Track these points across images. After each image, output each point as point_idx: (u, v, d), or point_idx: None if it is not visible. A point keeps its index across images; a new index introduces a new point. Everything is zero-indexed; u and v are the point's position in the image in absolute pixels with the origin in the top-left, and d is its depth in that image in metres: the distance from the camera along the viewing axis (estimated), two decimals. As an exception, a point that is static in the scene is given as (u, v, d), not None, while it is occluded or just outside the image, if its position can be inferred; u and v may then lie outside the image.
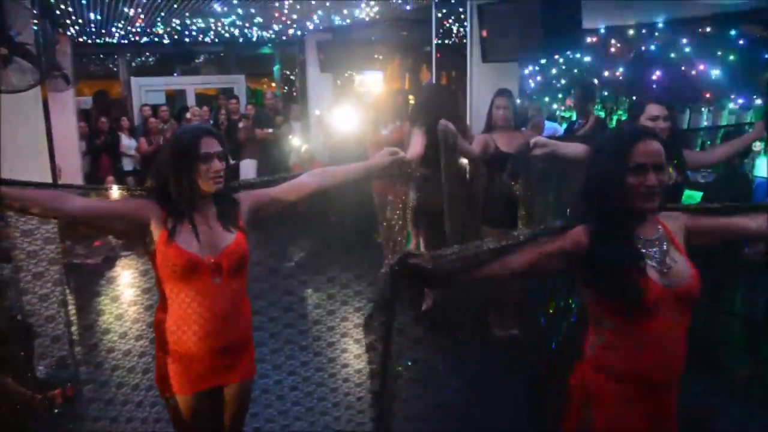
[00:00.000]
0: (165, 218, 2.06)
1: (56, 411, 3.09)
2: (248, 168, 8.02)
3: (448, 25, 7.98)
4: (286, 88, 11.80)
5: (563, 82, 8.97)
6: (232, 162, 8.17)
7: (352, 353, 3.37)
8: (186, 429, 2.21)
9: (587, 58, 8.25)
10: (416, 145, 4.02)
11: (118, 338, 3.11)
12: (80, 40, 8.79)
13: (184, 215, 2.08)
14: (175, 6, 6.47)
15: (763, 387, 3.88)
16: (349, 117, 6.60)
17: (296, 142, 8.15)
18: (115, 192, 2.40)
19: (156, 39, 9.68)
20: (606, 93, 8.38)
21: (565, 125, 7.22)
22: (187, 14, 7.07)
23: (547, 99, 8.87)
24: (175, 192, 2.06)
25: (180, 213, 2.07)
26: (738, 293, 4.27)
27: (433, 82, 7.00)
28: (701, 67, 6.61)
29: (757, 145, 5.84)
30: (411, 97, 8.84)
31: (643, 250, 1.77)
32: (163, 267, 2.06)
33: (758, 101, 6.12)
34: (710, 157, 3.48)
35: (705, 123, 6.76)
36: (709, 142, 6.22)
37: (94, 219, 2.05)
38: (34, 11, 3.42)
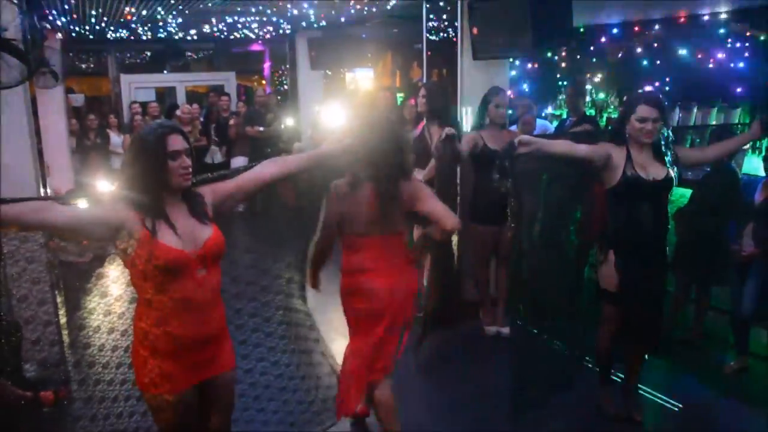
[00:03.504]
0: (142, 219, 2.07)
1: (45, 410, 3.07)
2: (239, 165, 7.99)
3: (438, 22, 7.98)
4: (279, 85, 11.78)
5: (554, 79, 9.02)
6: (222, 159, 8.17)
7: (315, 338, 3.42)
8: (176, 428, 2.21)
9: (578, 56, 8.29)
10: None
11: (120, 336, 3.10)
12: (69, 36, 8.72)
13: (160, 214, 2.10)
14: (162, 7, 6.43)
15: (751, 381, 3.92)
16: (336, 114, 6.61)
17: (290, 121, 8.16)
18: (84, 198, 2.40)
19: (146, 36, 9.63)
20: (596, 91, 8.43)
21: (556, 123, 7.24)
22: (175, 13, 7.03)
23: (537, 97, 8.89)
24: (144, 192, 2.08)
25: (155, 212, 2.09)
26: (725, 289, 4.30)
27: (432, 80, 7.00)
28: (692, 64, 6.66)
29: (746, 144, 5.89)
30: (401, 95, 8.85)
31: None
32: (149, 266, 2.06)
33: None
34: (705, 155, 3.43)
35: (694, 119, 6.82)
36: (698, 141, 6.25)
37: (77, 227, 2.04)
38: (22, 6, 3.38)
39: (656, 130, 3.00)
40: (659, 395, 3.76)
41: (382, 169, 2.68)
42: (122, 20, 7.74)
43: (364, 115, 2.92)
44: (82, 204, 2.32)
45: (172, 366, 2.14)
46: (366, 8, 7.16)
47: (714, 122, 6.44)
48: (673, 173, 3.08)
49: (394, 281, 2.78)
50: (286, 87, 11.21)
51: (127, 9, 6.74)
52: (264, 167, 2.43)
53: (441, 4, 6.46)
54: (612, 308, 3.26)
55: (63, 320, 3.37)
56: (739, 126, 5.64)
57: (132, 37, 9.71)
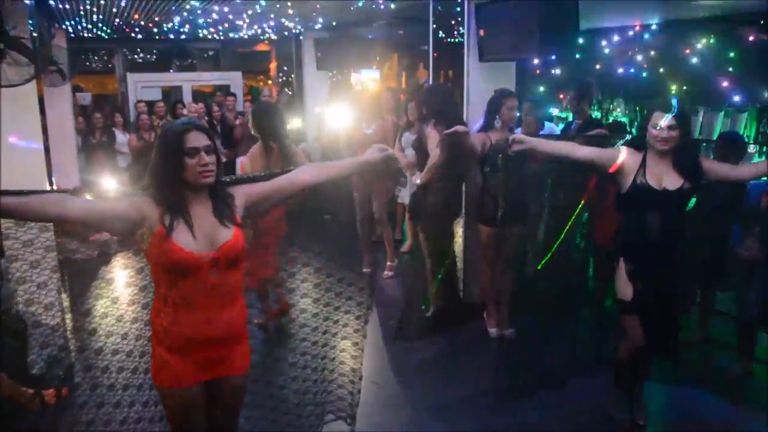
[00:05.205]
0: (162, 215, 2.06)
1: (46, 409, 3.08)
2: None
3: (445, 24, 7.99)
4: (285, 85, 11.79)
5: (560, 82, 9.00)
6: (225, 160, 8.18)
7: (329, 345, 3.42)
8: (182, 422, 2.23)
9: (584, 59, 8.28)
10: (436, 149, 4.20)
11: (122, 335, 3.11)
12: (77, 35, 8.76)
13: (180, 211, 2.08)
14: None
15: (755, 386, 3.91)
16: (341, 115, 6.59)
17: (297, 122, 8.15)
18: (110, 192, 2.40)
19: (153, 35, 9.65)
20: (602, 93, 8.41)
21: (561, 125, 7.23)
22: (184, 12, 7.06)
23: (543, 99, 8.88)
24: (165, 188, 2.07)
25: (176, 209, 2.07)
26: (730, 292, 4.29)
27: (436, 81, 7.00)
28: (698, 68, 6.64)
29: (752, 148, 5.87)
30: (403, 96, 8.84)
31: None
32: (160, 264, 2.06)
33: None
34: (740, 173, 3.15)
35: (700, 123, 6.79)
36: (704, 145, 6.24)
37: (93, 220, 2.05)
38: (30, 5, 3.40)
39: (672, 138, 2.91)
40: (663, 399, 3.76)
41: (278, 137, 4.13)
42: (131, 21, 7.77)
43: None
44: (98, 197, 2.31)
45: (178, 362, 2.14)
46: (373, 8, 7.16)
47: (720, 126, 6.43)
48: (690, 185, 2.96)
49: None
50: (292, 85, 11.23)
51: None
52: (302, 171, 2.39)
53: (448, 5, 6.48)
54: (629, 318, 3.15)
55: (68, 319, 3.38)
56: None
57: (139, 37, 9.74)
